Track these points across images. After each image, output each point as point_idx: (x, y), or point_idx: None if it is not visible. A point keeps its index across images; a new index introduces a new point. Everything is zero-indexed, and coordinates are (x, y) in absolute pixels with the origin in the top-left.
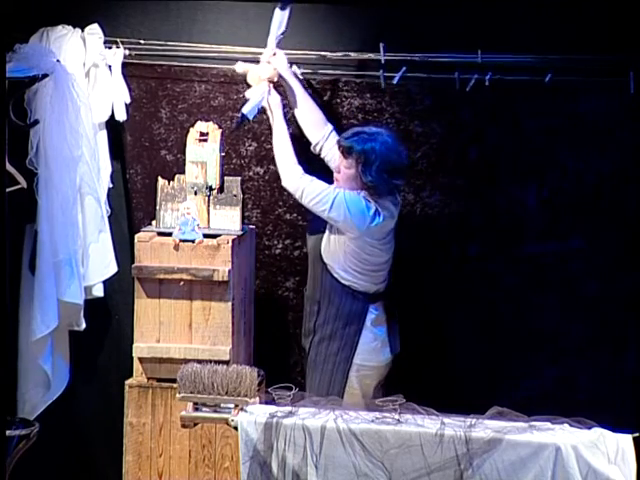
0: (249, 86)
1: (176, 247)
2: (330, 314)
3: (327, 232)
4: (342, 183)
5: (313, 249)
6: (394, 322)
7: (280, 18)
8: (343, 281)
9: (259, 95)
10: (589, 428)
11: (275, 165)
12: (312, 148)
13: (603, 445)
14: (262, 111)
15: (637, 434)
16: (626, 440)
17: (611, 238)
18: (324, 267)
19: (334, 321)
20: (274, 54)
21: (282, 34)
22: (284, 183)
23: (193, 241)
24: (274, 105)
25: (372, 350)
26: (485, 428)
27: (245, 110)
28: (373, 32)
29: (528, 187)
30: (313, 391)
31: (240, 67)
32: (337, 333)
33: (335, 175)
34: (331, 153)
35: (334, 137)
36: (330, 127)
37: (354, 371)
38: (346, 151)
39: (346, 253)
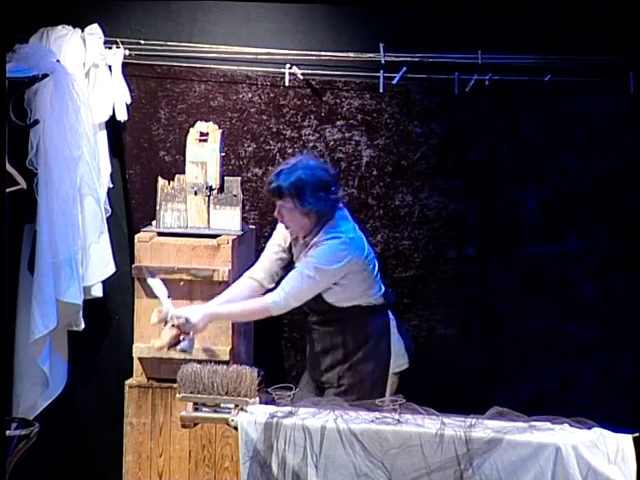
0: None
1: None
2: (360, 338)
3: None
4: (293, 229)
5: (314, 302)
6: (401, 325)
7: (156, 284)
8: (362, 304)
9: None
10: (589, 428)
11: (274, 166)
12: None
13: (603, 445)
14: None
15: (637, 434)
16: (626, 440)
17: (610, 239)
18: (334, 308)
19: (365, 343)
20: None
21: (168, 296)
22: (276, 314)
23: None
24: (208, 319)
25: (402, 354)
26: (485, 428)
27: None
28: (373, 32)
29: (527, 188)
30: None
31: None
32: (371, 353)
33: (284, 223)
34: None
35: (278, 254)
36: (261, 271)
37: (389, 381)
38: (277, 194)
39: (355, 286)
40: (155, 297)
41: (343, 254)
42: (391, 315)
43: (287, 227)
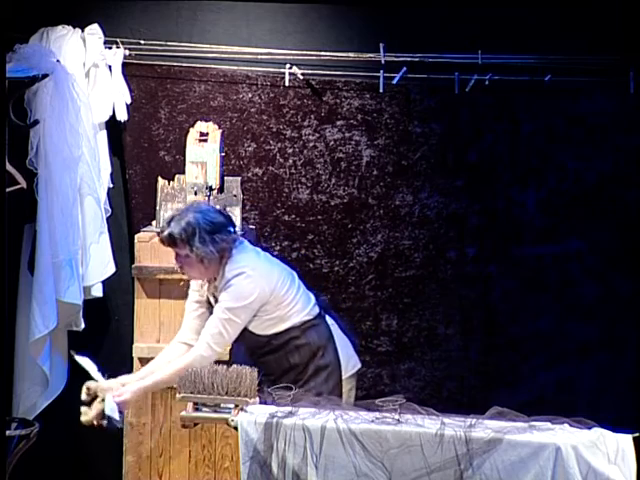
0: None
1: None
2: (306, 355)
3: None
4: (194, 275)
5: (254, 346)
6: (340, 323)
7: (84, 361)
8: (297, 323)
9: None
10: (589, 428)
11: (274, 166)
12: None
13: (603, 445)
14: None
15: (637, 434)
16: (626, 440)
17: (610, 239)
18: (269, 337)
19: (313, 358)
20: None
21: (98, 370)
22: (210, 360)
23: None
24: (137, 395)
25: (352, 356)
26: (485, 428)
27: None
28: (373, 32)
29: (527, 188)
30: None
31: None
32: (321, 366)
33: (184, 271)
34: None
35: (201, 309)
36: (189, 336)
37: (346, 387)
38: (170, 241)
39: (277, 310)
40: (86, 372)
41: (251, 287)
42: (331, 320)
43: (187, 274)
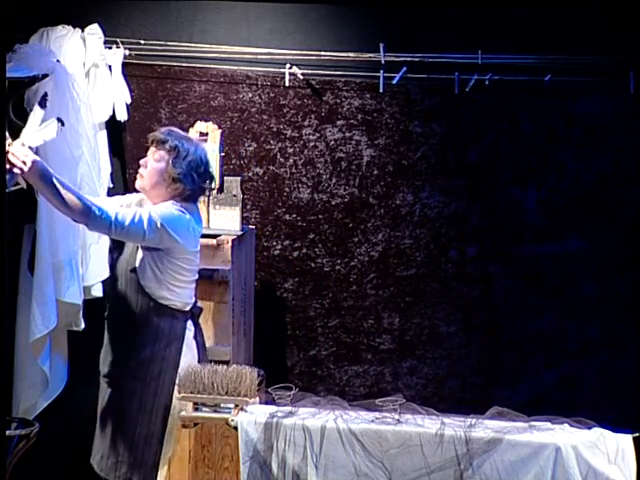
0: None
1: None
2: (148, 336)
3: (141, 254)
4: (146, 179)
5: (123, 275)
6: (201, 337)
7: (40, 115)
8: (162, 301)
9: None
10: (589, 428)
11: (275, 166)
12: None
13: (603, 445)
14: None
15: (637, 434)
16: (626, 440)
17: (610, 239)
18: (140, 289)
19: (154, 343)
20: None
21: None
22: (89, 226)
23: None
24: (41, 170)
25: None
26: (485, 428)
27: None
28: (373, 32)
29: (527, 188)
30: (129, 417)
31: None
32: (158, 355)
33: (140, 171)
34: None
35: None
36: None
37: (177, 393)
38: (160, 142)
39: (167, 272)
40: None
41: (180, 227)
42: (192, 326)
43: (142, 181)
